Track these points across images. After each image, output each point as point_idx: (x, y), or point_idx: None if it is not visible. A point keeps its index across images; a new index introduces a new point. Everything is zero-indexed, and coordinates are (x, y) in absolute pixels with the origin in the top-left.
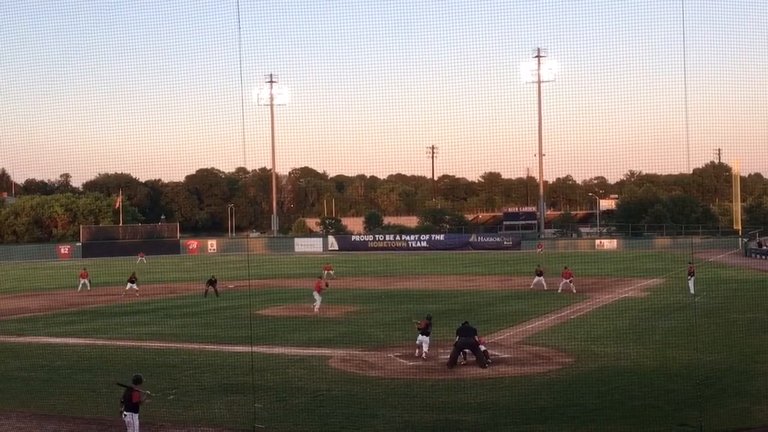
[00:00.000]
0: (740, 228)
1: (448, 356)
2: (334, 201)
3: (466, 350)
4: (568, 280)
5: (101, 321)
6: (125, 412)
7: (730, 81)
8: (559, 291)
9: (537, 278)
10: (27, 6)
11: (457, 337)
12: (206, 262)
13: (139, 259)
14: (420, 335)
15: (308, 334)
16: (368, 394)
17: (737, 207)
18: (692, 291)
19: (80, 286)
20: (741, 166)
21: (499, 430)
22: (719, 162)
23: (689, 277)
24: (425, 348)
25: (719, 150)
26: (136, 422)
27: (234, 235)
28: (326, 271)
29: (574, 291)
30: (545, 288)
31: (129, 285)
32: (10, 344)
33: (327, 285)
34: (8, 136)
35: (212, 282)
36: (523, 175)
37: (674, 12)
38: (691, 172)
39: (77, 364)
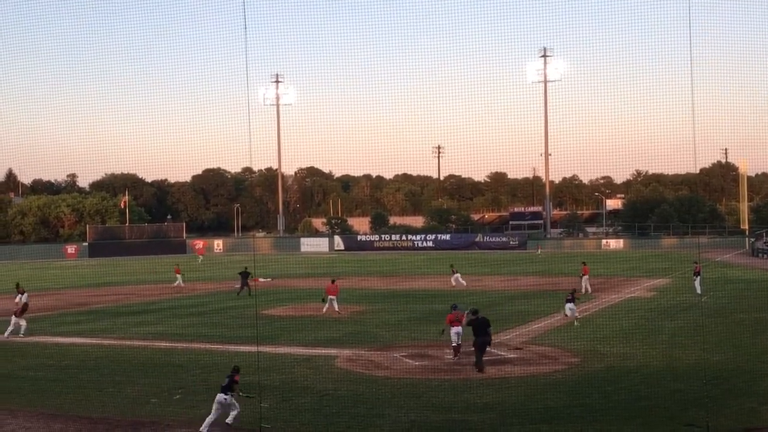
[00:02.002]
0: (747, 227)
1: (468, 357)
2: (340, 201)
3: (461, 343)
4: (585, 277)
5: (108, 321)
6: (226, 395)
7: (737, 80)
8: (589, 291)
9: (454, 275)
10: (32, 6)
11: (474, 335)
12: (213, 261)
13: (200, 257)
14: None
15: (314, 334)
16: (374, 394)
17: (744, 206)
18: (699, 291)
19: (177, 281)
20: (748, 165)
21: (505, 430)
22: (726, 161)
23: (695, 277)
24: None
25: (726, 149)
26: (234, 400)
27: (240, 234)
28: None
29: (583, 291)
30: (464, 285)
31: (18, 297)
32: (18, 344)
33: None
34: (15, 136)
35: (245, 275)
36: (529, 174)
37: (681, 11)
38: (697, 171)
39: (84, 364)
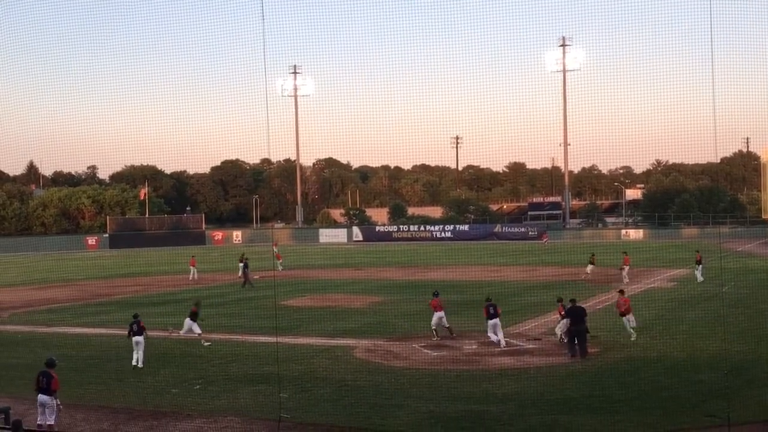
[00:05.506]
0: None
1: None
2: (358, 192)
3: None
4: (627, 267)
5: (129, 311)
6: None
7: (759, 67)
8: (626, 281)
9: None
10: None
11: (567, 321)
12: (232, 252)
13: (275, 248)
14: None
15: (333, 325)
16: (393, 385)
17: (766, 196)
18: (700, 279)
19: (191, 273)
20: None
21: (524, 421)
22: (747, 150)
23: (697, 266)
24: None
25: (747, 138)
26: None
27: (259, 226)
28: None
29: (624, 281)
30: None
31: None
32: (40, 334)
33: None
34: (36, 128)
35: (245, 265)
36: (548, 164)
37: None
38: (718, 161)
39: (105, 354)
